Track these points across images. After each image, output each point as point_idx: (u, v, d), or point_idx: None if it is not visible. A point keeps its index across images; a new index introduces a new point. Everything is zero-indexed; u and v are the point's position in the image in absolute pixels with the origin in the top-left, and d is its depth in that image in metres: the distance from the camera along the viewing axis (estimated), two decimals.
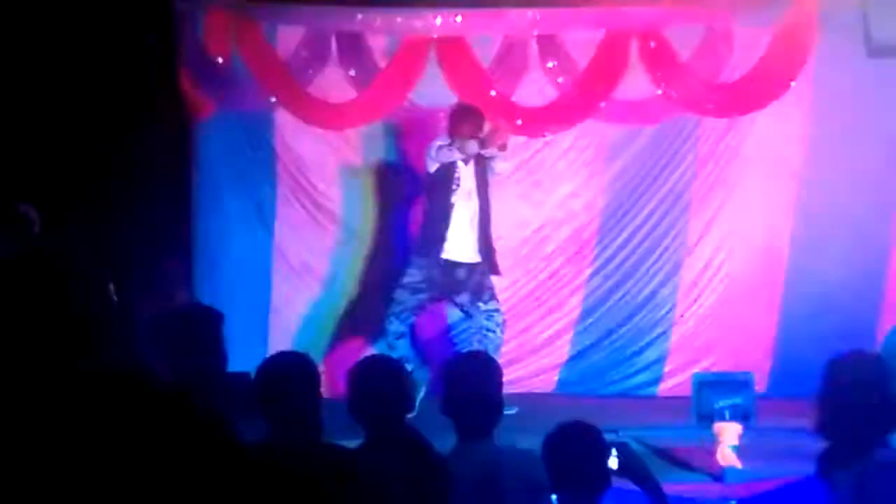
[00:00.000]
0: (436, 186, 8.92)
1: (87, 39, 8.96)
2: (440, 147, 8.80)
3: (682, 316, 10.15)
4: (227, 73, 9.70)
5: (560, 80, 9.87)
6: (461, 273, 8.93)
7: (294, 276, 10.08)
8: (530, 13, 9.72)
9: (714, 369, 9.58)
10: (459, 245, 8.89)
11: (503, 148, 8.81)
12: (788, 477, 6.81)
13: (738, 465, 7.12)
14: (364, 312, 9.93)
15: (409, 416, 4.85)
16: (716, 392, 8.19)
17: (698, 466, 7.20)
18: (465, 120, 8.82)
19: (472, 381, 4.80)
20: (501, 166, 8.96)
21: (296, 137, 10.00)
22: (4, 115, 8.93)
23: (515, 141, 10.10)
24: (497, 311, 9.04)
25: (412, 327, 9.20)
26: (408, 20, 9.74)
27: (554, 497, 4.40)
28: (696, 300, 10.19)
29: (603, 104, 9.89)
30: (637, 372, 10.15)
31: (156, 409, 4.47)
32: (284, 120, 9.93)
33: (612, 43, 9.73)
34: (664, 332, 10.19)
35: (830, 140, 9.69)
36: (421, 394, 8.57)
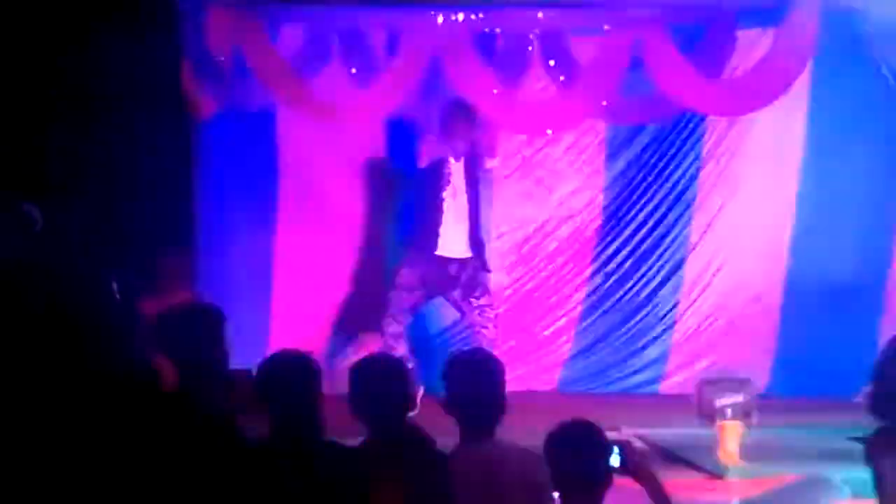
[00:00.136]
0: (427, 182, 8.97)
1: (90, 37, 8.95)
2: (431, 143, 8.87)
3: (683, 314, 10.17)
4: (230, 71, 9.70)
5: (561, 78, 9.87)
6: (453, 269, 8.96)
7: (296, 273, 10.08)
8: (532, 11, 9.71)
9: (715, 368, 9.59)
10: (451, 241, 8.92)
11: (491, 152, 8.86)
12: (789, 475, 6.84)
13: (740, 463, 7.12)
14: (364, 310, 9.94)
15: (410, 414, 4.84)
16: (717, 390, 8.19)
17: (700, 465, 7.20)
18: (457, 117, 8.86)
19: (474, 379, 4.80)
20: (490, 163, 8.99)
21: (297, 136, 10.01)
22: (6, 113, 8.93)
23: (517, 139, 10.14)
24: (489, 306, 9.05)
25: (410, 327, 9.21)
26: (409, 19, 9.74)
27: (556, 495, 4.40)
28: (697, 298, 10.20)
29: (604, 103, 9.89)
30: (638, 370, 10.17)
31: (157, 406, 4.48)
32: (286, 118, 9.94)
33: (614, 41, 9.73)
34: (666, 331, 10.20)
35: (832, 139, 9.70)
36: (419, 393, 8.58)
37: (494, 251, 10.17)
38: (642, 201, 10.22)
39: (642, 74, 9.74)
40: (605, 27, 9.76)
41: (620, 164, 10.23)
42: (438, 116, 9.01)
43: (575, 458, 4.29)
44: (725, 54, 9.78)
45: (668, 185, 10.17)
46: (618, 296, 10.26)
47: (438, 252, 8.91)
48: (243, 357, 5.42)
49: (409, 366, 8.50)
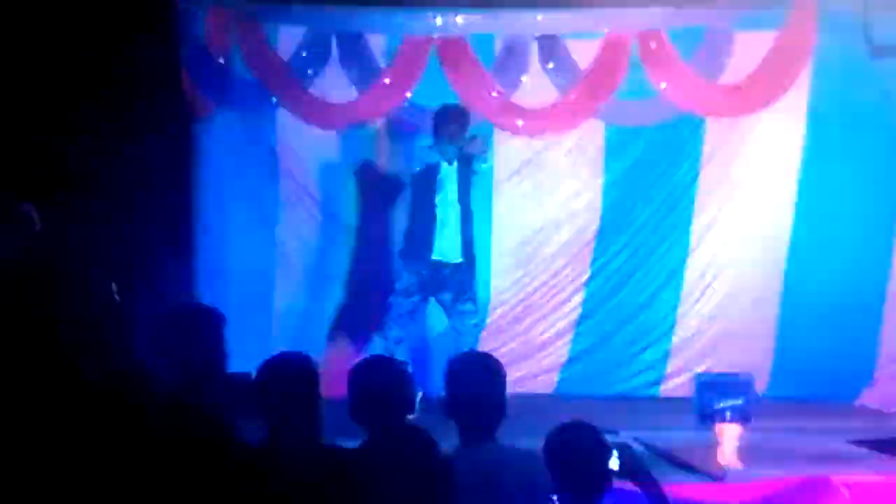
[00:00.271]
0: (420, 187, 8.97)
1: (89, 38, 8.95)
2: (423, 147, 8.88)
3: (683, 316, 10.17)
4: (228, 72, 9.71)
5: (561, 80, 9.87)
6: (446, 273, 8.95)
7: (296, 276, 10.08)
8: (531, 14, 9.72)
9: (715, 370, 9.58)
10: (445, 245, 8.92)
11: (483, 156, 8.87)
12: (789, 478, 6.83)
13: (739, 465, 7.11)
14: (363, 313, 9.94)
15: (410, 417, 4.84)
16: (717, 393, 8.20)
17: (699, 467, 7.18)
18: (449, 121, 8.86)
19: (474, 382, 4.79)
20: (483, 167, 8.98)
21: (296, 137, 10.01)
22: (4, 114, 8.93)
23: (516, 142, 10.13)
24: (473, 313, 9.04)
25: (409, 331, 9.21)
26: (408, 21, 9.75)
27: (554, 498, 4.40)
28: (696, 301, 10.19)
29: (604, 105, 9.89)
30: (638, 373, 10.15)
31: (156, 409, 4.48)
32: (285, 120, 9.94)
33: (613, 44, 9.74)
34: (665, 333, 10.19)
35: (831, 140, 9.70)
36: (418, 396, 8.59)
37: (494, 254, 10.18)
38: (641, 204, 10.20)
39: (641, 77, 9.75)
40: (605, 29, 9.77)
41: (619, 166, 10.21)
42: (431, 120, 9.01)
43: (574, 461, 4.29)
44: (724, 57, 9.78)
45: (668, 187, 10.16)
46: (617, 298, 10.24)
47: (434, 257, 8.91)
48: (243, 359, 5.41)
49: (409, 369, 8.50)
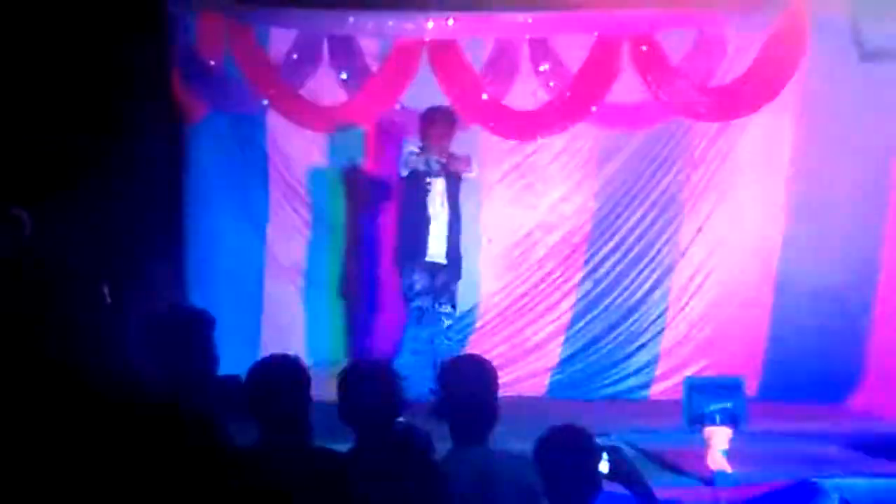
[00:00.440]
0: (409, 190, 8.99)
1: (80, 41, 8.95)
2: (410, 153, 8.89)
3: (673, 319, 10.18)
4: (220, 75, 9.71)
5: (552, 83, 9.88)
6: (434, 273, 8.98)
7: (285, 278, 10.08)
8: (522, 17, 9.73)
9: (705, 373, 9.59)
10: (434, 247, 8.94)
11: (467, 168, 8.89)
12: (778, 481, 6.84)
13: (728, 469, 7.12)
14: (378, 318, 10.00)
15: (400, 419, 4.84)
16: (706, 396, 8.19)
17: (689, 470, 7.20)
18: (435, 125, 8.88)
19: (467, 385, 4.79)
20: (469, 175, 9.00)
21: (287, 140, 10.01)
22: None
23: (507, 145, 10.14)
24: (449, 314, 9.07)
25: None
26: (400, 23, 9.75)
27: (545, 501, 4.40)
28: (687, 304, 10.20)
29: (595, 108, 9.90)
30: (628, 375, 10.15)
31: (145, 411, 4.48)
32: (276, 122, 9.94)
33: (604, 47, 9.75)
34: (655, 336, 10.19)
35: (821, 144, 9.71)
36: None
37: (483, 257, 10.18)
38: (632, 207, 10.21)
39: (632, 80, 9.76)
40: (595, 33, 9.78)
41: (610, 169, 10.22)
42: (419, 123, 9.03)
43: (564, 464, 4.29)
44: (715, 60, 9.79)
45: (658, 190, 10.17)
46: (607, 301, 10.25)
47: (427, 258, 8.95)
48: (233, 362, 5.41)
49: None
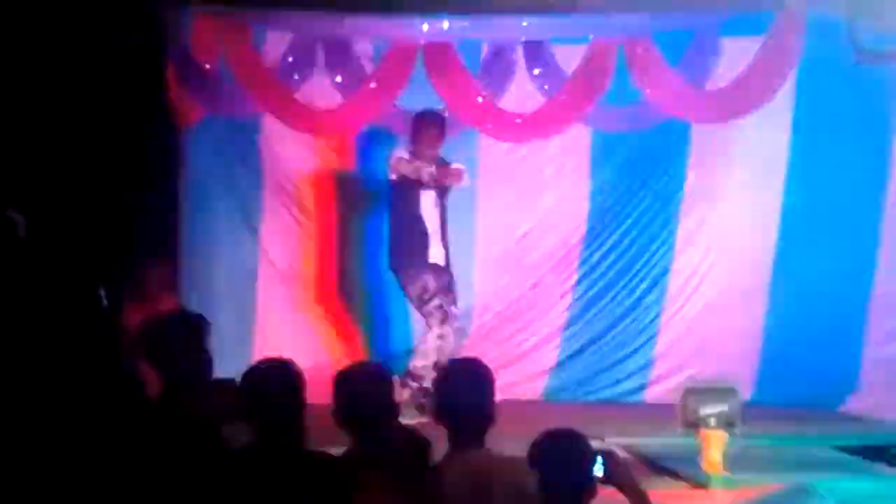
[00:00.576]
0: (400, 194, 9.01)
1: (74, 44, 8.94)
2: (400, 158, 8.89)
3: (668, 322, 10.18)
4: (215, 78, 9.70)
5: (547, 86, 9.88)
6: (439, 274, 8.99)
7: (280, 282, 10.07)
8: (517, 20, 9.71)
9: (700, 376, 9.58)
10: (434, 249, 8.96)
11: (458, 180, 8.91)
12: (773, 484, 6.84)
13: (723, 472, 7.12)
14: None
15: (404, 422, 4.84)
16: (701, 399, 8.19)
17: (684, 474, 7.20)
18: (425, 129, 8.90)
19: (464, 389, 4.79)
20: (459, 186, 9.02)
21: (282, 143, 10.00)
22: None
23: (502, 147, 10.14)
24: (456, 316, 9.08)
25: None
26: (395, 26, 9.74)
27: None
28: (682, 307, 10.20)
29: (589, 111, 9.90)
30: (623, 379, 10.16)
31: (141, 414, 4.47)
32: (271, 126, 9.92)
33: (600, 49, 9.74)
34: (650, 339, 10.20)
35: (816, 145, 9.72)
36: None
37: (478, 260, 10.18)
38: (627, 209, 10.22)
39: (627, 82, 9.76)
40: (590, 35, 9.78)
41: (605, 172, 10.23)
42: (409, 127, 9.05)
43: (559, 468, 4.29)
44: (710, 62, 9.80)
45: (653, 193, 10.18)
46: (603, 304, 10.25)
47: (431, 260, 8.97)
48: (227, 365, 5.41)
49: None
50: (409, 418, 7.64)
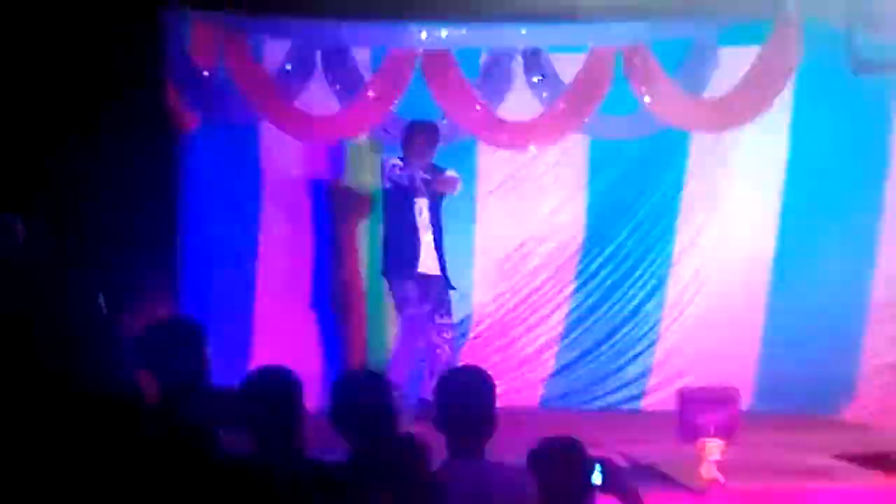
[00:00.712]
0: (393, 202, 9.02)
1: (73, 49, 8.94)
2: (393, 166, 8.90)
3: (666, 330, 10.18)
4: (213, 85, 9.69)
5: (545, 95, 9.87)
6: (430, 285, 8.98)
7: (278, 289, 10.07)
8: (516, 28, 9.71)
9: (698, 384, 9.58)
10: (425, 258, 8.96)
11: (452, 188, 8.90)
12: (772, 493, 6.84)
13: (722, 480, 7.12)
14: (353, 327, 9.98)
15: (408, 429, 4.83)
16: (700, 407, 8.20)
17: (682, 482, 7.19)
18: (416, 139, 8.91)
19: (464, 396, 4.78)
20: (452, 192, 9.02)
21: (281, 151, 10.00)
22: None
23: (500, 155, 10.14)
24: (450, 326, 9.07)
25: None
26: (393, 34, 9.73)
27: None
28: (680, 315, 10.20)
29: (587, 119, 9.89)
30: (621, 387, 10.15)
31: (139, 420, 4.47)
32: (270, 133, 9.92)
33: (598, 58, 9.73)
34: (648, 347, 10.20)
35: (814, 155, 9.73)
36: None
37: (476, 267, 10.19)
38: (625, 218, 10.22)
39: (626, 91, 9.76)
40: (589, 44, 9.77)
41: (603, 180, 10.23)
42: (401, 136, 9.06)
43: (557, 475, 4.29)
44: (709, 71, 9.79)
45: (651, 201, 10.18)
46: (600, 312, 10.25)
47: (419, 269, 8.96)
48: (225, 372, 5.41)
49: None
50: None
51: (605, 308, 10.26)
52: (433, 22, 9.62)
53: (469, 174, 9.77)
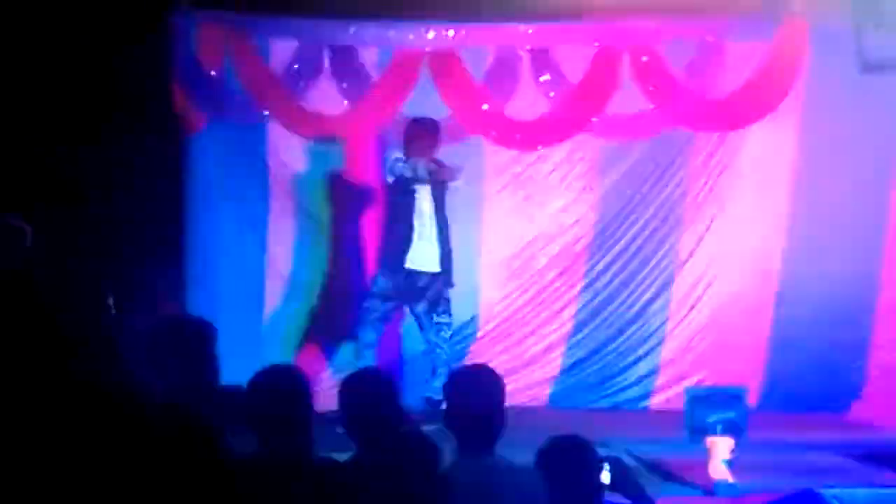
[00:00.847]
0: (395, 198, 9.01)
1: (81, 50, 8.95)
2: (396, 160, 8.89)
3: (673, 330, 10.18)
4: (220, 85, 9.70)
5: (552, 94, 9.87)
6: (422, 282, 8.96)
7: (286, 288, 10.07)
8: (523, 28, 9.72)
9: (706, 383, 9.59)
10: (421, 256, 8.93)
11: (452, 176, 8.87)
12: (780, 491, 6.83)
13: (730, 479, 7.11)
14: (333, 319, 9.98)
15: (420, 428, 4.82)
16: (708, 406, 8.19)
17: (690, 481, 7.19)
18: (418, 136, 8.89)
19: (474, 395, 4.77)
20: (455, 184, 8.98)
21: (288, 150, 10.01)
22: None
23: (507, 155, 10.14)
24: (448, 324, 9.04)
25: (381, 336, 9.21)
26: (400, 34, 9.74)
27: None
28: (687, 314, 10.19)
29: (595, 119, 9.89)
30: (629, 386, 10.15)
31: (147, 421, 4.47)
32: (277, 132, 9.93)
33: (605, 57, 9.74)
34: (656, 346, 10.19)
35: (822, 155, 9.72)
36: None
37: (484, 266, 10.19)
38: (633, 217, 10.21)
39: (633, 90, 9.75)
40: (596, 43, 9.78)
41: (611, 180, 10.22)
42: (402, 133, 9.04)
43: (566, 475, 4.28)
44: (716, 70, 9.79)
45: (659, 200, 10.17)
46: (608, 312, 10.25)
47: (408, 266, 8.91)
48: (234, 371, 5.41)
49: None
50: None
51: (612, 307, 10.25)
52: (440, 21, 9.63)
53: (476, 173, 9.76)
